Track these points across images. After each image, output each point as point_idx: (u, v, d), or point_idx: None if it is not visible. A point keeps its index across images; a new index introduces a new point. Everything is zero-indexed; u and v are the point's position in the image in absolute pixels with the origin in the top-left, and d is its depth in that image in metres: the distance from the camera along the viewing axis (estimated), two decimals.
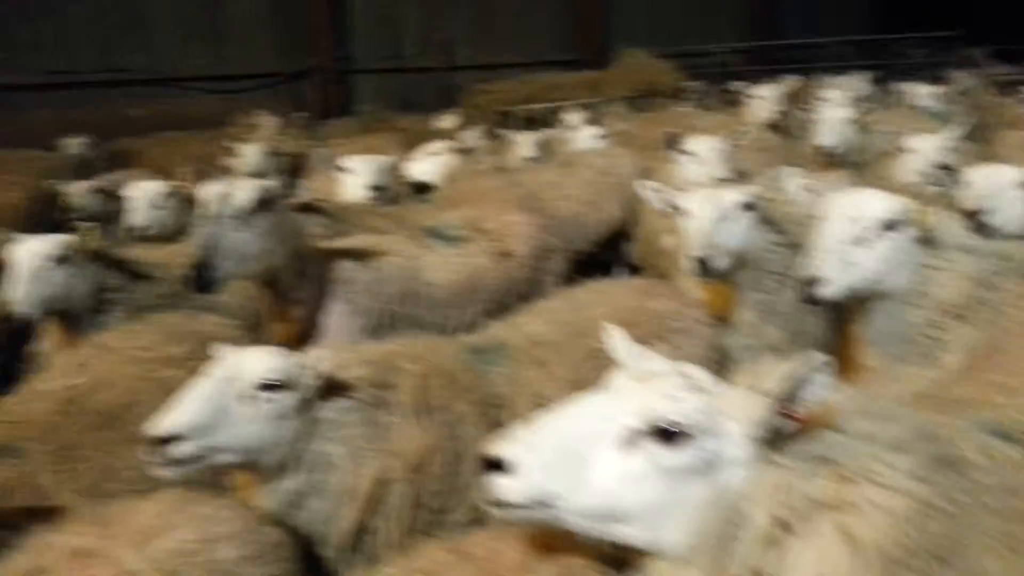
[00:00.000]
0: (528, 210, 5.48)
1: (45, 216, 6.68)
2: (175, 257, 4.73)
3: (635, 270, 6.28)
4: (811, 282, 3.32)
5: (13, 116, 11.36)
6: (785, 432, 1.95)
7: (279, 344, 3.17)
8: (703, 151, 5.97)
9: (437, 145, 7.74)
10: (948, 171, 4.89)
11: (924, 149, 5.44)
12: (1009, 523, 2.05)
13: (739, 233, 4.01)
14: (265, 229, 3.98)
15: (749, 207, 4.05)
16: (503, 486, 1.92)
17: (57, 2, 13.10)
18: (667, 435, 1.92)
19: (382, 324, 4.34)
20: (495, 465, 1.94)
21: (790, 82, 9.96)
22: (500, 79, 14.33)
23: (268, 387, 2.76)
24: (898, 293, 3.37)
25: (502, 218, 5.23)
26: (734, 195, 4.05)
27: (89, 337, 3.96)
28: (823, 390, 1.99)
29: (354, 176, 6.22)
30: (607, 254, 6.62)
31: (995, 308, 3.30)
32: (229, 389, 2.73)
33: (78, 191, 6.80)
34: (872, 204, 3.37)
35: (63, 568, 2.31)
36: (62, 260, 4.21)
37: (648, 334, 3.20)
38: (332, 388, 2.99)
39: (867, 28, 19.92)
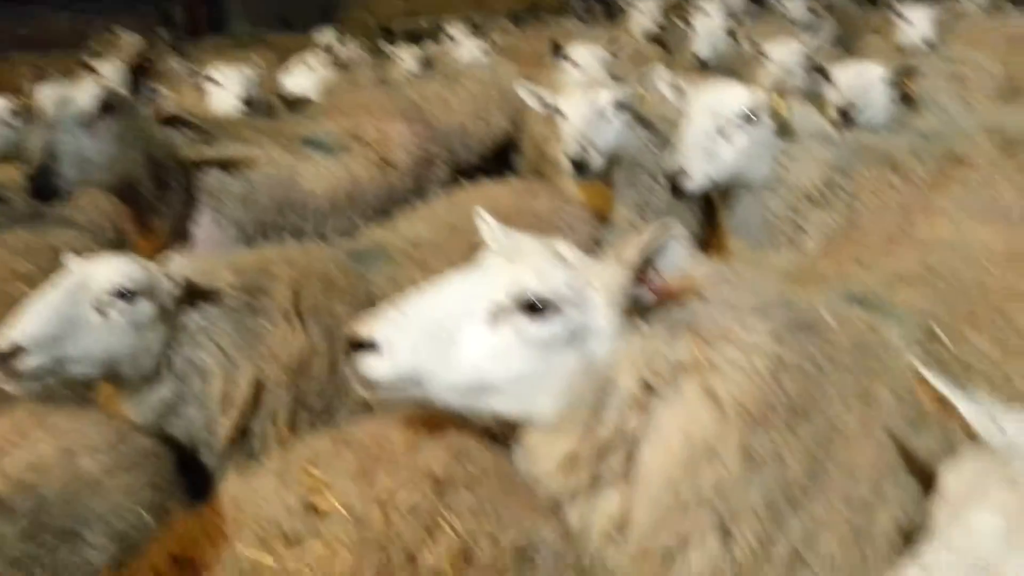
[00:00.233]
0: (409, 119, 5.34)
1: None
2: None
3: None
4: (677, 175, 3.41)
5: None
6: (645, 301, 1.98)
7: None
8: (585, 59, 6.00)
9: (313, 58, 7.39)
10: (818, 73, 5.03)
11: (789, 53, 5.58)
12: (862, 379, 2.16)
13: (613, 132, 4.08)
14: (112, 135, 3.67)
15: (622, 106, 4.11)
16: (372, 366, 1.89)
17: None
18: (533, 308, 1.93)
19: (256, 235, 4.18)
20: (364, 346, 1.90)
21: None
22: None
23: (121, 295, 2.63)
24: (758, 182, 3.52)
25: (382, 127, 5.08)
26: (607, 94, 4.10)
27: None
28: (680, 259, 2.02)
29: (224, 88, 5.88)
30: (496, 169, 6.57)
31: (850, 194, 3.47)
32: (79, 298, 2.58)
33: None
34: (731, 97, 3.49)
35: None
36: None
37: (528, 231, 3.19)
38: (196, 295, 2.88)
39: None
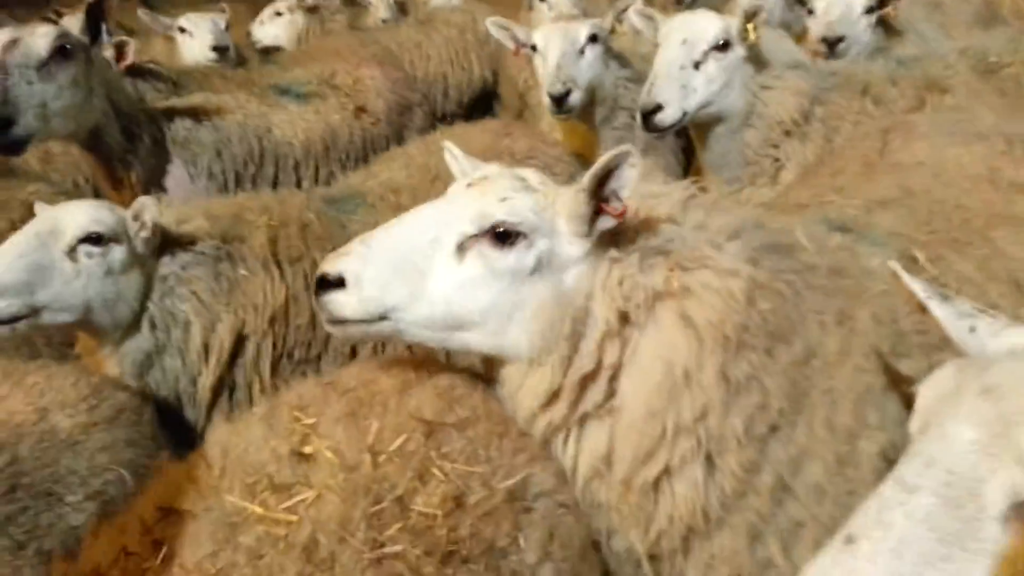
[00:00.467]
0: (383, 65, 5.24)
1: None
2: None
3: None
4: (652, 110, 3.36)
5: None
6: (605, 226, 1.94)
7: None
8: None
9: (283, 4, 7.21)
10: (799, 3, 4.94)
11: None
12: (840, 302, 2.13)
13: (588, 65, 4.02)
14: (68, 81, 3.49)
15: (594, 39, 4.05)
16: (340, 302, 1.87)
17: None
18: (500, 236, 1.90)
19: (230, 187, 4.12)
20: (332, 283, 1.88)
21: None
22: None
23: (91, 240, 2.58)
24: (733, 114, 3.49)
25: (356, 73, 4.98)
26: (580, 27, 4.05)
27: None
28: (631, 183, 1.94)
29: (193, 37, 5.74)
30: (477, 117, 6.47)
31: (826, 123, 3.43)
32: (49, 245, 2.54)
33: None
34: (702, 25, 3.44)
35: None
36: None
37: None
38: (171, 243, 2.83)
39: None
